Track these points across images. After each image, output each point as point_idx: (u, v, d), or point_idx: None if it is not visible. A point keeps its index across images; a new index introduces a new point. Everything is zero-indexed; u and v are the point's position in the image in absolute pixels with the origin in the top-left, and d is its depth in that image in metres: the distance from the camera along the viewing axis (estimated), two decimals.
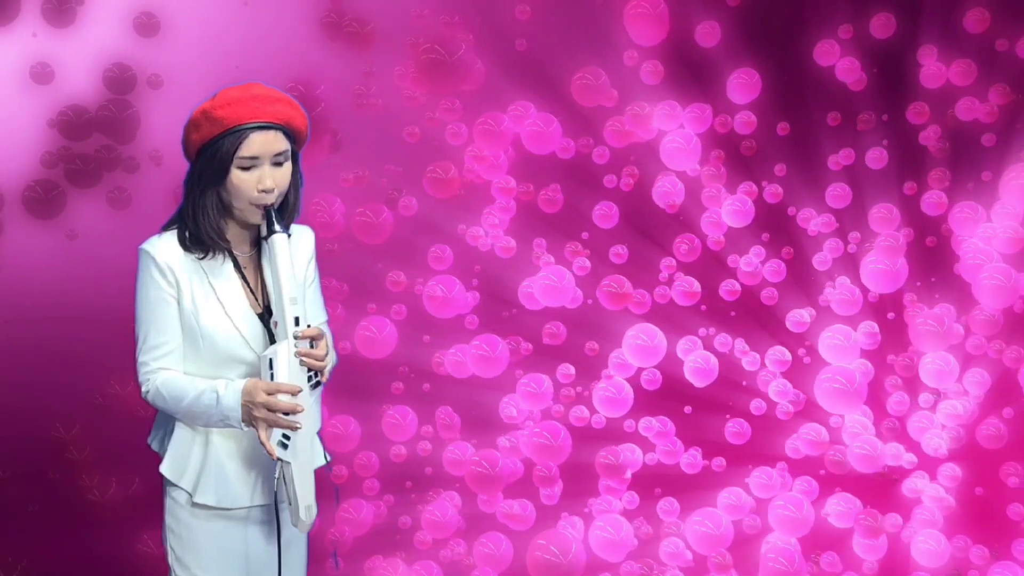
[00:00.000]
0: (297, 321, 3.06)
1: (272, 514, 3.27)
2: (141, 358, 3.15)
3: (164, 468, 3.21)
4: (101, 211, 4.93)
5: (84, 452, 4.91)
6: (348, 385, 4.93)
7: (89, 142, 4.90)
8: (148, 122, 4.94)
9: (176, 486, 3.21)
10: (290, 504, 3.15)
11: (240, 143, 3.03)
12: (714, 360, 5.01)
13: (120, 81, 4.85)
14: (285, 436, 3.05)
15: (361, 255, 5.05)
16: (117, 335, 3.52)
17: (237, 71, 4.72)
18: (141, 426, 3.37)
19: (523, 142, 5.07)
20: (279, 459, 3.06)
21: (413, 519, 5.08)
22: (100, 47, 4.87)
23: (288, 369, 3.05)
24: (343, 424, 5.05)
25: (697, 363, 5.01)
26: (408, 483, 5.11)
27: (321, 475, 3.23)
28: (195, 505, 3.20)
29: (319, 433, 3.29)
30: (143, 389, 3.16)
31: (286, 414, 3.03)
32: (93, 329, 4.67)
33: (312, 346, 3.09)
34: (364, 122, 5.01)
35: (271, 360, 3.06)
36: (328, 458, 3.33)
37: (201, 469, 3.19)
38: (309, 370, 3.09)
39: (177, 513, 3.23)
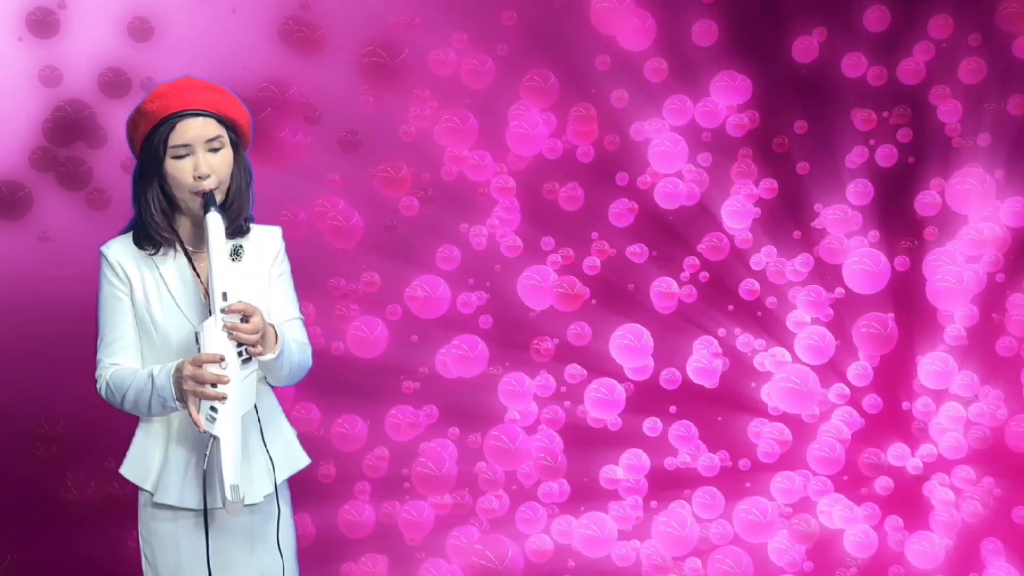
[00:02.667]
0: (225, 297, 3.05)
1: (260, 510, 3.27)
2: (98, 355, 3.22)
3: (124, 470, 3.26)
4: (81, 213, 4.98)
5: (72, 451, 4.96)
6: (353, 385, 4.99)
7: (76, 145, 4.96)
8: None
9: (142, 490, 3.25)
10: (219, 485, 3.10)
11: (171, 132, 3.09)
12: (718, 361, 4.97)
13: (114, 85, 4.91)
14: (212, 409, 3.02)
15: (369, 255, 5.07)
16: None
17: (239, 72, 4.79)
18: (128, 425, 3.37)
19: (509, 142, 5.04)
20: (207, 432, 3.03)
21: (408, 518, 5.07)
22: (95, 51, 4.94)
23: (214, 342, 3.02)
24: (349, 423, 5.06)
25: (700, 363, 4.98)
26: (406, 484, 5.10)
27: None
28: (156, 506, 3.23)
29: (298, 435, 3.35)
30: (97, 385, 3.20)
31: (214, 386, 3.02)
32: (83, 329, 4.72)
33: (244, 322, 3.05)
34: (363, 122, 5.03)
35: (197, 335, 3.06)
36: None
37: (162, 469, 3.21)
38: (239, 345, 3.05)
39: (146, 519, 3.27)
